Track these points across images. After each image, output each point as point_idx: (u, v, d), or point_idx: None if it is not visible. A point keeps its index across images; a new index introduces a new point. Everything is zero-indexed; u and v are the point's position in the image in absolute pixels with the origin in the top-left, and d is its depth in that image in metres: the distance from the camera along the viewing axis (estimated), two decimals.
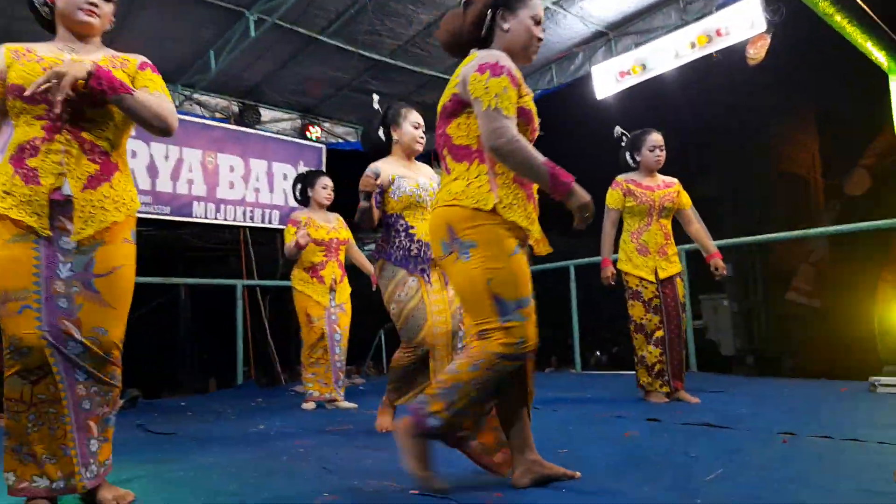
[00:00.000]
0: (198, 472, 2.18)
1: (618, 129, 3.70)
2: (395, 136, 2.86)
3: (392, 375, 2.85)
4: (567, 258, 6.01)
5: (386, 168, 2.78)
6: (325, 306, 3.97)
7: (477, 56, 1.76)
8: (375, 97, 3.12)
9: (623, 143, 3.66)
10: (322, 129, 7.25)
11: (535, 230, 1.80)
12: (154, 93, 1.79)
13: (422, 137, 2.89)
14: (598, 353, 9.65)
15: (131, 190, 1.83)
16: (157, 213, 5.80)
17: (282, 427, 3.26)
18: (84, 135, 1.71)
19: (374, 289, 4.22)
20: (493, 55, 1.73)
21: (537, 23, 1.82)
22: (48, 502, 1.67)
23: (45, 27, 1.85)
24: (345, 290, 4.12)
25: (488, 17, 1.81)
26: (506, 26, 1.81)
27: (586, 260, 5.86)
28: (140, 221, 6.20)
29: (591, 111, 6.34)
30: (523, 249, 1.79)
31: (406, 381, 2.82)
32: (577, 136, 6.97)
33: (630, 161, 3.61)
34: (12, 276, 1.63)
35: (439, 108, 1.82)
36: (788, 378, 5.35)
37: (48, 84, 1.57)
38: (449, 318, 2.75)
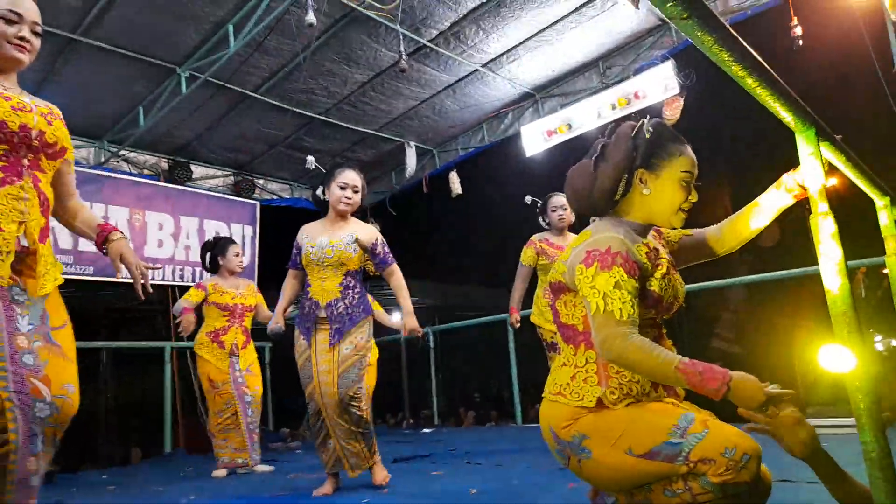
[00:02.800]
0: None
1: (528, 198, 4.04)
2: (327, 195, 2.93)
3: (311, 435, 2.95)
4: (504, 311, 6.09)
5: (303, 231, 2.98)
6: (226, 371, 3.94)
7: (589, 236, 1.49)
8: (310, 159, 3.15)
9: (537, 209, 3.97)
10: (256, 186, 7.19)
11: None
12: (72, 173, 1.80)
13: (348, 198, 2.89)
14: (538, 406, 9.68)
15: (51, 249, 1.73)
16: (79, 274, 5.53)
17: (214, 496, 3.09)
18: (40, 186, 1.63)
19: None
20: (605, 239, 1.44)
21: (687, 182, 1.51)
22: None
23: None
24: (249, 354, 4.12)
25: (623, 181, 1.52)
26: (645, 191, 1.52)
27: (525, 312, 5.96)
28: (66, 283, 5.88)
29: (521, 167, 6.59)
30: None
31: (320, 441, 2.85)
32: (508, 190, 7.20)
33: (542, 223, 3.94)
34: None
35: (550, 279, 1.60)
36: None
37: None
38: (335, 380, 2.79)
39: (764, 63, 0.97)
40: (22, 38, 1.65)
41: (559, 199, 3.84)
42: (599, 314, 1.38)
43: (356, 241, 2.89)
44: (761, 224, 1.63)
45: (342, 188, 2.89)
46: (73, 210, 1.82)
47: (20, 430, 1.44)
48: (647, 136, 1.53)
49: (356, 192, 2.92)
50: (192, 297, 3.96)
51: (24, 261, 1.56)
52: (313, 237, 2.91)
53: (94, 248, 5.46)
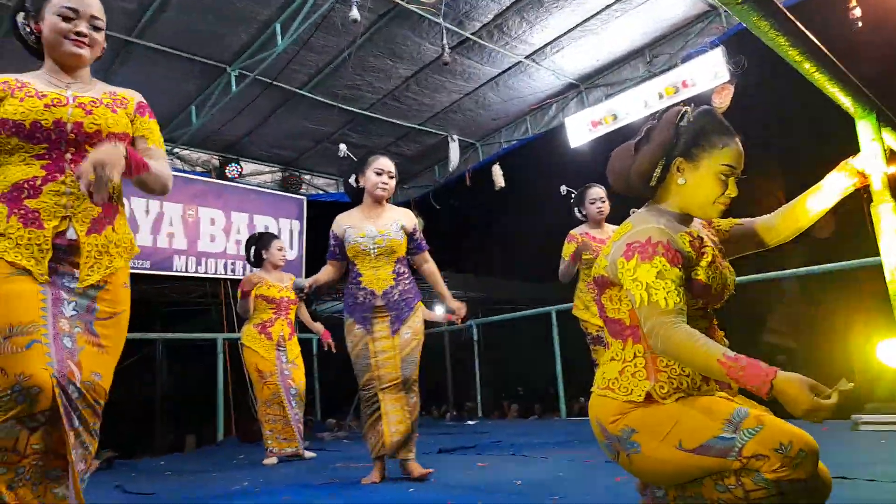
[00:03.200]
0: None
1: (563, 188, 3.96)
2: (362, 183, 2.94)
3: (363, 415, 2.91)
4: (549, 304, 6.07)
5: (341, 222, 2.96)
6: (274, 362, 4.05)
7: (629, 229, 1.47)
8: (342, 146, 3.20)
9: (571, 200, 3.89)
10: (302, 181, 7.33)
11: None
12: (151, 147, 1.78)
13: (384, 184, 2.91)
14: (583, 399, 9.62)
15: (130, 233, 1.76)
16: (137, 268, 5.75)
17: (266, 484, 3.18)
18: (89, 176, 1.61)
19: (325, 348, 4.35)
20: (645, 231, 1.42)
21: (726, 176, 1.46)
22: None
23: (32, 55, 1.76)
24: (294, 347, 4.22)
25: (659, 167, 1.50)
26: (681, 180, 1.49)
27: (568, 305, 5.91)
28: None
29: (566, 159, 6.53)
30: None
31: (367, 431, 2.88)
32: (552, 183, 7.14)
33: (578, 215, 3.85)
34: (19, 308, 1.50)
35: (594, 273, 1.59)
36: None
37: (92, 176, 1.45)
38: (398, 364, 2.86)
39: (822, 47, 0.94)
40: (79, 34, 1.66)
41: (597, 191, 3.77)
42: (644, 306, 1.36)
43: (402, 227, 2.93)
44: (822, 209, 1.57)
45: (378, 174, 2.90)
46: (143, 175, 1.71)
47: (64, 405, 1.49)
48: (688, 124, 1.49)
49: (391, 177, 2.95)
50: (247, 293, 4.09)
51: (74, 252, 1.60)
52: (358, 227, 2.90)
53: (149, 243, 5.69)
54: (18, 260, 1.54)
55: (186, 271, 6.15)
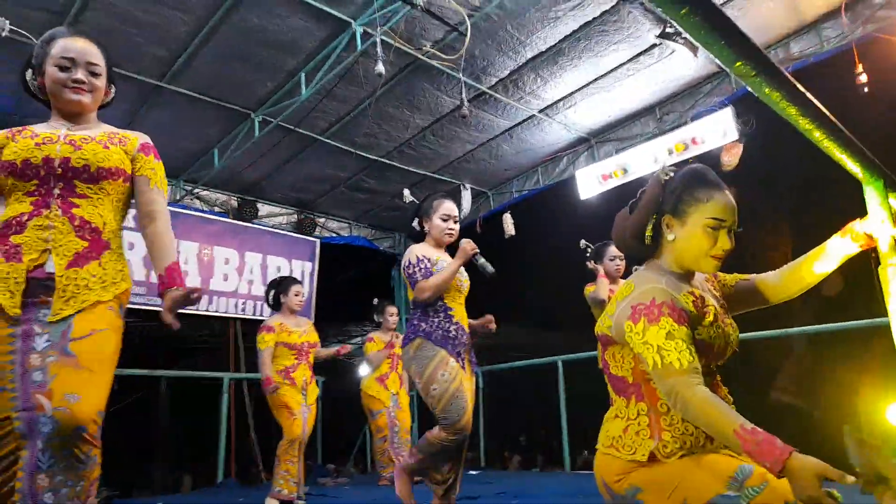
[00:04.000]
0: None
1: (582, 242, 4.02)
2: (426, 227, 2.88)
3: (427, 448, 2.66)
4: (555, 352, 6.07)
5: (428, 252, 2.82)
6: (301, 403, 4.07)
7: (632, 290, 1.49)
8: (406, 192, 3.20)
9: (588, 254, 3.95)
10: (317, 224, 7.45)
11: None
12: (154, 189, 1.81)
13: (451, 229, 2.86)
14: (587, 453, 9.46)
15: (122, 269, 1.73)
16: (151, 305, 5.82)
17: None
18: (75, 211, 1.65)
19: (340, 355, 4.33)
20: (648, 292, 1.44)
21: (714, 229, 1.47)
22: None
23: (46, 106, 1.81)
24: (313, 391, 4.25)
25: (650, 225, 1.54)
26: (670, 236, 1.52)
27: (574, 356, 5.93)
28: (132, 312, 6.09)
29: (575, 210, 6.62)
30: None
31: (434, 461, 2.69)
32: (561, 232, 7.23)
33: (591, 268, 3.89)
34: None
35: (597, 331, 1.63)
36: None
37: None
38: (470, 409, 2.70)
39: (832, 117, 1.02)
40: (76, 81, 1.71)
41: (615, 249, 3.82)
42: (658, 369, 1.35)
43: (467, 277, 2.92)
44: (824, 271, 1.59)
45: (444, 220, 2.84)
46: (153, 234, 1.80)
47: (29, 448, 1.45)
48: (674, 181, 1.54)
49: (457, 222, 2.90)
50: (269, 342, 4.10)
51: (47, 287, 1.59)
52: (443, 264, 2.79)
53: None
54: None
55: (198, 309, 6.21)
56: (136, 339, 8.28)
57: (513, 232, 6.89)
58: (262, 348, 4.09)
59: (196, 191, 6.48)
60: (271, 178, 6.59)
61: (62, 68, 1.71)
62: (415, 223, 2.94)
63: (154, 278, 5.84)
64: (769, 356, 8.23)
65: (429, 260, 2.75)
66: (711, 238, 1.47)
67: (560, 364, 6.00)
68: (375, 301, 5.52)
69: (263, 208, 7.01)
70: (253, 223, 6.79)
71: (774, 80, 0.94)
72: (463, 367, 2.71)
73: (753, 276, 1.71)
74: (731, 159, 5.35)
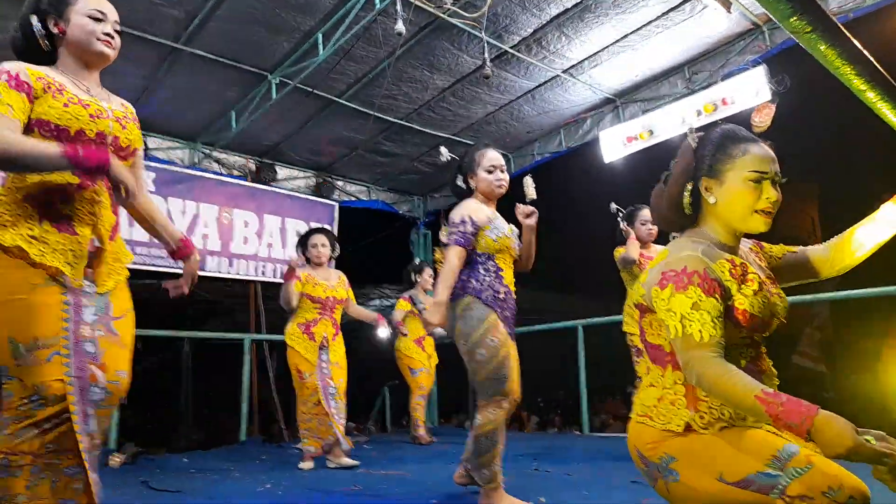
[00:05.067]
0: None
1: (613, 206, 3.94)
2: (472, 183, 2.68)
3: (480, 447, 2.43)
4: (574, 315, 6.03)
5: (483, 210, 2.60)
6: (314, 363, 3.93)
7: (666, 256, 1.44)
8: (443, 150, 2.95)
9: (619, 217, 3.90)
10: (336, 187, 7.40)
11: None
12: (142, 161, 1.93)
13: (500, 180, 2.66)
14: (604, 416, 9.50)
15: (122, 240, 1.85)
16: (170, 267, 5.87)
17: (288, 486, 3.20)
18: (110, 186, 1.71)
19: (384, 333, 4.23)
20: (681, 259, 1.38)
21: (756, 182, 1.41)
22: None
23: (34, 60, 1.70)
24: (339, 348, 4.07)
25: (687, 192, 1.48)
26: (711, 199, 1.46)
27: (594, 321, 5.89)
28: (151, 274, 6.17)
29: (598, 173, 6.49)
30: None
31: (495, 453, 2.46)
32: (583, 196, 7.10)
33: (622, 232, 3.86)
34: (43, 322, 1.56)
35: (633, 299, 1.58)
36: None
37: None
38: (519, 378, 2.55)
39: (890, 78, 0.92)
40: (108, 34, 1.75)
41: (648, 212, 3.76)
42: (679, 338, 1.33)
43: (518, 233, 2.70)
44: (876, 241, 1.52)
45: (491, 171, 2.64)
46: (146, 208, 1.91)
47: (78, 412, 1.55)
48: (703, 144, 1.48)
49: (504, 171, 2.69)
50: (293, 287, 3.98)
51: (97, 258, 1.68)
52: (497, 221, 2.61)
53: None
54: (57, 264, 1.59)
55: (219, 272, 6.25)
56: (158, 301, 8.40)
57: (534, 196, 6.70)
58: (288, 289, 3.98)
59: (214, 154, 6.45)
60: (289, 140, 6.53)
61: (96, 20, 1.73)
62: (459, 181, 2.72)
63: None
64: (792, 321, 8.11)
65: (474, 224, 2.52)
66: (755, 191, 1.41)
67: (580, 329, 5.96)
68: (417, 261, 5.57)
69: (282, 171, 6.97)
70: (271, 186, 6.76)
71: (831, 35, 0.84)
72: (511, 335, 2.55)
73: (801, 248, 1.64)
74: (762, 120, 5.16)
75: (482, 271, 2.55)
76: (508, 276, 2.62)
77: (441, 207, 7.97)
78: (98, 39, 1.73)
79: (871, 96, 0.94)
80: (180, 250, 1.94)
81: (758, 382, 1.24)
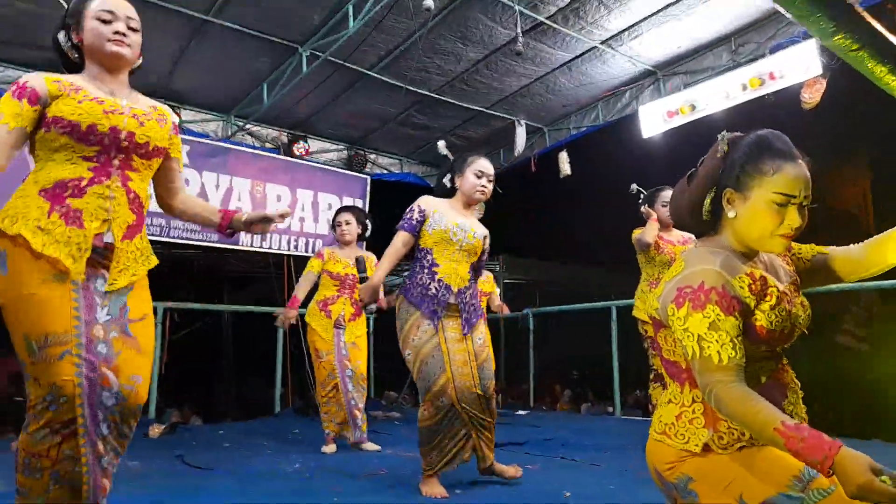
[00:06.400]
0: None
1: (633, 186, 3.85)
2: (457, 183, 2.79)
3: (421, 438, 2.61)
4: (608, 293, 5.94)
5: (431, 203, 2.76)
6: (331, 342, 3.90)
7: (682, 269, 1.35)
8: (441, 143, 3.11)
9: (640, 199, 3.78)
10: (367, 160, 7.36)
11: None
12: (182, 169, 1.94)
13: (484, 187, 2.76)
14: (638, 392, 9.44)
15: (149, 244, 1.81)
16: (205, 241, 5.95)
17: (317, 467, 3.25)
18: (130, 184, 1.70)
19: (373, 310, 4.18)
20: (698, 273, 1.30)
21: (781, 205, 1.30)
22: None
23: (69, 70, 1.78)
24: (358, 327, 4.01)
25: (708, 200, 1.39)
26: (731, 213, 1.36)
27: (629, 301, 5.77)
28: (187, 246, 6.26)
29: (637, 149, 6.29)
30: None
31: (435, 446, 2.58)
32: (620, 173, 6.91)
33: (643, 213, 3.73)
34: (53, 318, 1.53)
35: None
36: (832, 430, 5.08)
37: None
38: (474, 373, 2.63)
39: None
40: (119, 33, 1.70)
41: (669, 194, 3.65)
42: (696, 359, 1.26)
43: (484, 237, 2.80)
44: None
45: (478, 177, 2.75)
46: (185, 202, 1.93)
47: (87, 415, 1.53)
48: (736, 150, 1.36)
49: (490, 181, 2.79)
50: (313, 267, 3.99)
51: (108, 256, 1.64)
52: (448, 215, 2.71)
53: None
54: (59, 256, 1.56)
55: (252, 245, 6.32)
56: (195, 271, 8.58)
57: (568, 171, 6.61)
58: (306, 272, 3.99)
59: (247, 126, 6.46)
60: (321, 113, 6.49)
61: (104, 21, 1.70)
62: (445, 179, 2.84)
63: None
64: (836, 299, 7.84)
65: (421, 211, 2.69)
66: (778, 216, 1.31)
67: (614, 310, 5.87)
68: None
69: (314, 144, 6.95)
70: (304, 160, 6.75)
71: (880, 53, 0.74)
72: (434, 327, 2.62)
73: (833, 248, 1.53)
74: (812, 96, 4.89)
75: (417, 268, 2.71)
76: (446, 269, 2.68)
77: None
78: (108, 41, 1.70)
79: None
80: (223, 221, 1.88)
81: (779, 412, 1.18)
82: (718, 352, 1.24)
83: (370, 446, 3.86)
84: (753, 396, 1.21)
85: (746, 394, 1.22)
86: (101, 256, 1.63)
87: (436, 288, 2.64)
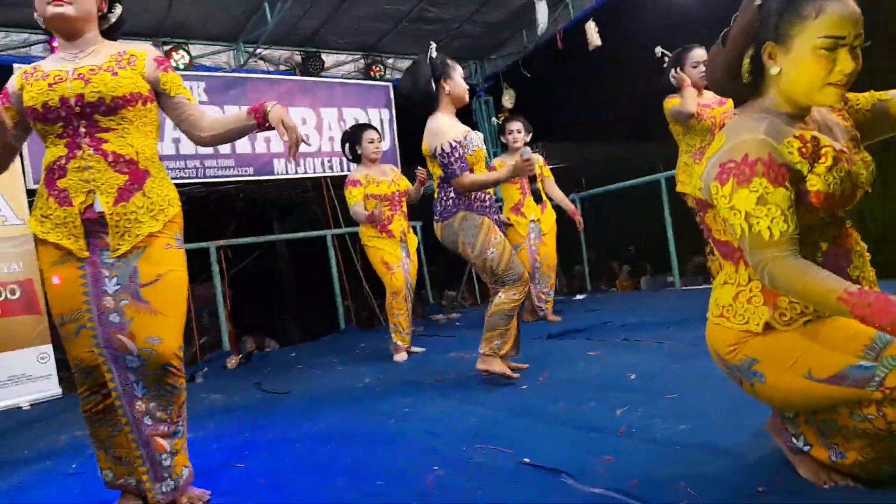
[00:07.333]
0: (310, 444, 2.28)
1: (658, 49, 3.60)
2: (445, 87, 2.82)
3: (495, 322, 2.77)
4: (654, 164, 5.73)
5: (459, 130, 2.80)
6: (400, 256, 4.00)
7: (724, 142, 1.25)
8: (433, 45, 2.95)
9: (665, 63, 3.51)
10: (386, 66, 7.07)
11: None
12: (193, 103, 1.82)
13: (467, 89, 2.92)
14: (697, 258, 9.29)
15: (168, 194, 1.74)
16: (242, 175, 5.96)
17: (385, 381, 3.36)
18: (105, 147, 1.65)
19: (423, 183, 3.98)
20: (740, 145, 1.20)
21: (829, 49, 1.17)
22: (139, 499, 1.73)
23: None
24: (413, 240, 4.16)
25: (747, 59, 1.26)
26: (774, 69, 1.24)
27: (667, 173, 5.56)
28: (225, 183, 6.28)
29: (670, 11, 5.90)
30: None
31: (504, 331, 2.79)
32: (654, 37, 6.41)
33: (671, 80, 3.44)
34: (64, 298, 1.65)
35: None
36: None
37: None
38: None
39: None
40: None
41: (700, 53, 3.36)
42: (746, 237, 1.19)
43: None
44: None
45: (465, 78, 2.90)
46: (212, 126, 1.81)
47: (117, 380, 1.63)
48: (757, 3, 1.22)
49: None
50: (357, 196, 3.92)
51: (104, 224, 1.65)
52: (470, 134, 2.83)
53: (248, 150, 5.83)
54: (60, 240, 1.65)
55: (287, 173, 6.30)
56: (239, 208, 8.72)
57: (598, 42, 6.16)
58: (352, 203, 3.92)
59: (259, 52, 6.25)
60: (329, 24, 6.18)
61: None
62: (431, 85, 2.80)
63: (240, 149, 5.94)
64: None
65: (460, 144, 2.74)
66: (827, 62, 1.18)
67: (663, 180, 5.69)
68: (498, 120, 5.28)
69: (329, 58, 6.69)
70: (321, 76, 6.54)
71: None
72: (504, 234, 2.90)
73: (894, 92, 1.37)
74: None
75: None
76: None
77: (499, 70, 7.50)
78: (48, 4, 1.64)
79: None
80: (257, 118, 1.75)
81: (840, 280, 1.11)
82: (769, 227, 1.17)
83: (416, 349, 4.14)
84: (811, 268, 1.15)
85: (803, 266, 1.15)
86: (99, 227, 1.65)
87: (489, 199, 2.88)
